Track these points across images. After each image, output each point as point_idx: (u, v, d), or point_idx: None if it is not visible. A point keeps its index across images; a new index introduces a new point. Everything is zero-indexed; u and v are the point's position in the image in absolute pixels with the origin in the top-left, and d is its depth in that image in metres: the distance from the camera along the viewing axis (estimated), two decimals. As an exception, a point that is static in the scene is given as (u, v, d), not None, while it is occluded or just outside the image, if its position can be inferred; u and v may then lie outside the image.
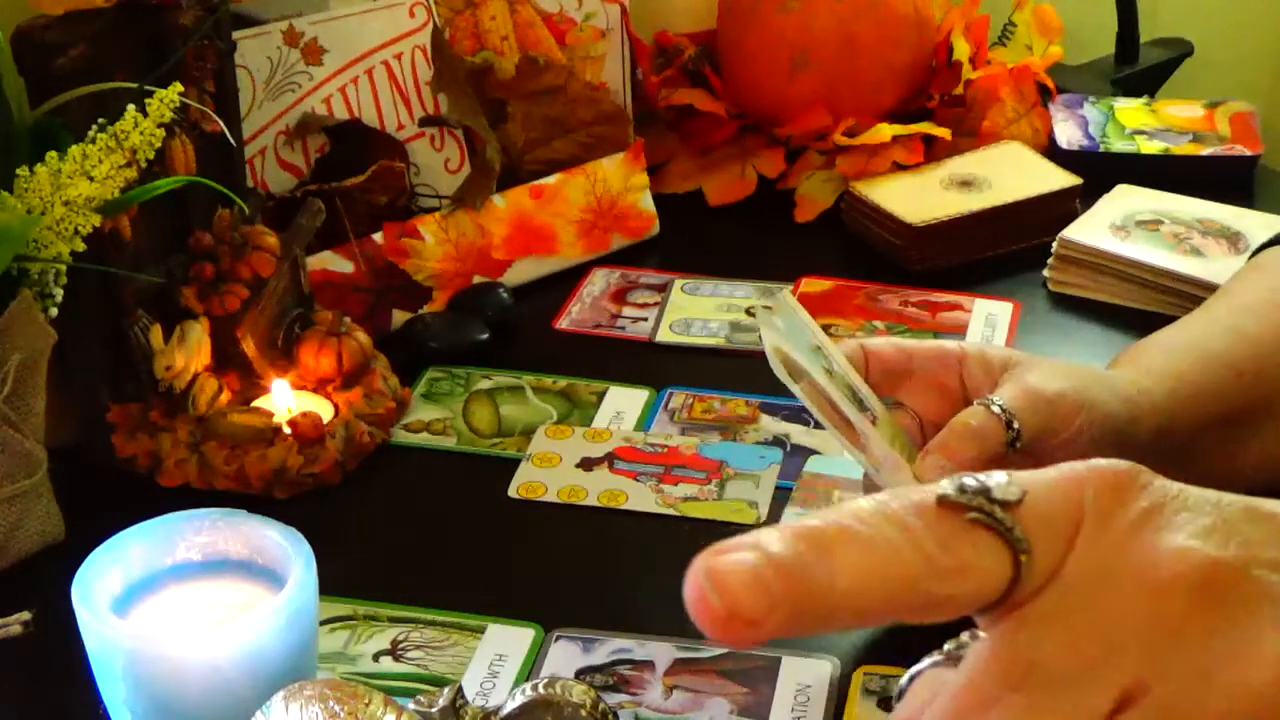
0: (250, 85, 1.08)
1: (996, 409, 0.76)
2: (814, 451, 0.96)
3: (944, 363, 0.81)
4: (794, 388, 0.76)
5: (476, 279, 1.13)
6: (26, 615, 0.75)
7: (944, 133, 1.25)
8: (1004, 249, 1.18)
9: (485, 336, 1.08)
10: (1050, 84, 1.34)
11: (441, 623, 0.83)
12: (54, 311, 0.87)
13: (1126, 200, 1.18)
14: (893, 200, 1.18)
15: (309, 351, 0.99)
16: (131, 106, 0.84)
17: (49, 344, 0.87)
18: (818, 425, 0.98)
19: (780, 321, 0.77)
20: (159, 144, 0.85)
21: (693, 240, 1.22)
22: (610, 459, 0.96)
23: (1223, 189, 1.21)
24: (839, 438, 0.77)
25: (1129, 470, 0.45)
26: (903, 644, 0.81)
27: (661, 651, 0.81)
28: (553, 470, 0.95)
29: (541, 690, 0.65)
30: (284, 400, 0.97)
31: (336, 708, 0.62)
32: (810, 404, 0.77)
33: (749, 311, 1.12)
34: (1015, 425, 0.76)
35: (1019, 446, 0.76)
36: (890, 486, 0.73)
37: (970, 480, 0.44)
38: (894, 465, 0.76)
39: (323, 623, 0.80)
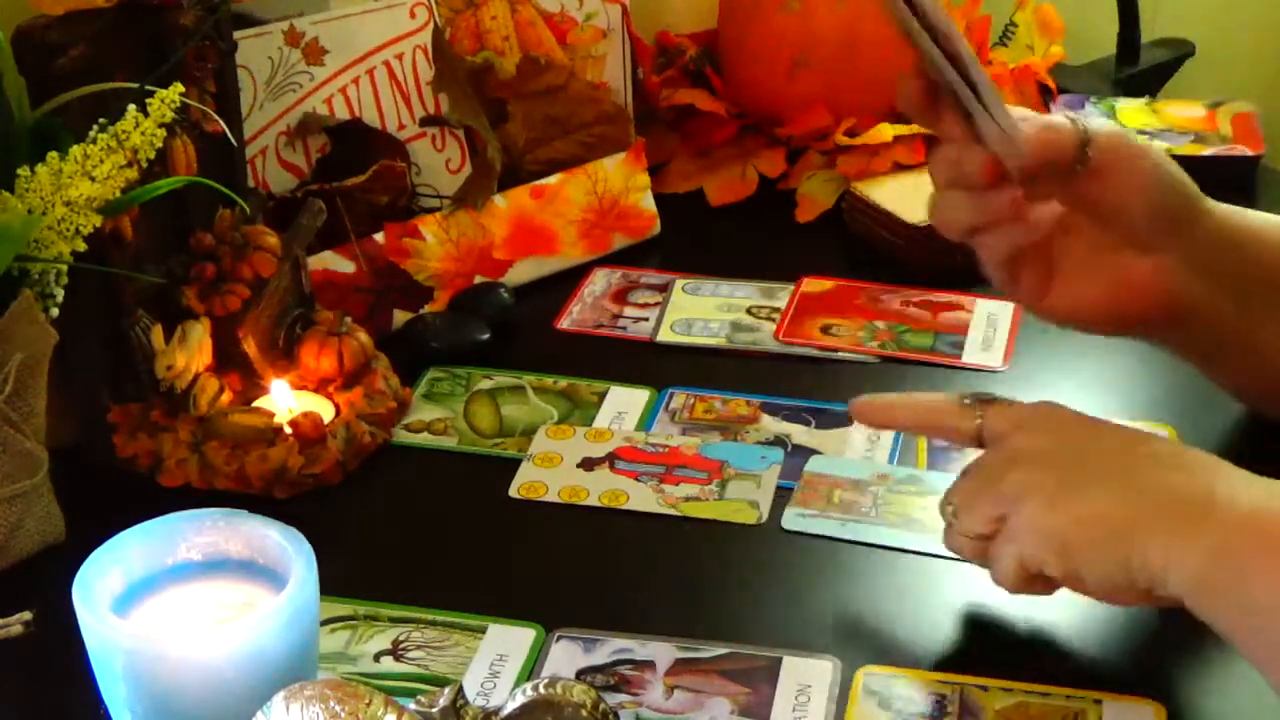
0: (251, 85, 1.08)
1: (1080, 124, 0.82)
2: (815, 451, 0.96)
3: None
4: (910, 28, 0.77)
5: (477, 279, 1.13)
6: (26, 615, 0.75)
7: (945, 133, 1.25)
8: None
9: (486, 336, 1.08)
10: (1051, 84, 1.34)
11: (442, 623, 0.83)
12: (55, 312, 0.87)
13: (1127, 200, 1.18)
14: (894, 200, 1.18)
15: (310, 351, 0.99)
16: (132, 106, 0.84)
17: (50, 344, 0.87)
18: (819, 427, 0.98)
19: None
20: (160, 144, 0.85)
21: (694, 240, 1.22)
22: (611, 459, 0.96)
23: (1224, 189, 1.19)
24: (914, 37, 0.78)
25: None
26: (903, 644, 0.81)
27: (662, 651, 0.80)
28: (554, 470, 0.95)
29: (542, 690, 0.65)
30: (285, 400, 0.97)
31: (337, 708, 0.62)
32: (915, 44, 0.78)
33: (750, 311, 1.12)
34: (1088, 148, 0.81)
35: (1084, 166, 0.82)
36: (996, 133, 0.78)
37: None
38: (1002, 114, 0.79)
39: (323, 623, 0.80)
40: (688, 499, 0.93)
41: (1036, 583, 0.76)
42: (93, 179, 0.83)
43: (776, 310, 1.12)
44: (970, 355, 1.06)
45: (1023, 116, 0.82)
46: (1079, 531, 0.73)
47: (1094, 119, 0.84)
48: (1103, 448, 0.77)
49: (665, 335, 1.10)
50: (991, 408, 0.81)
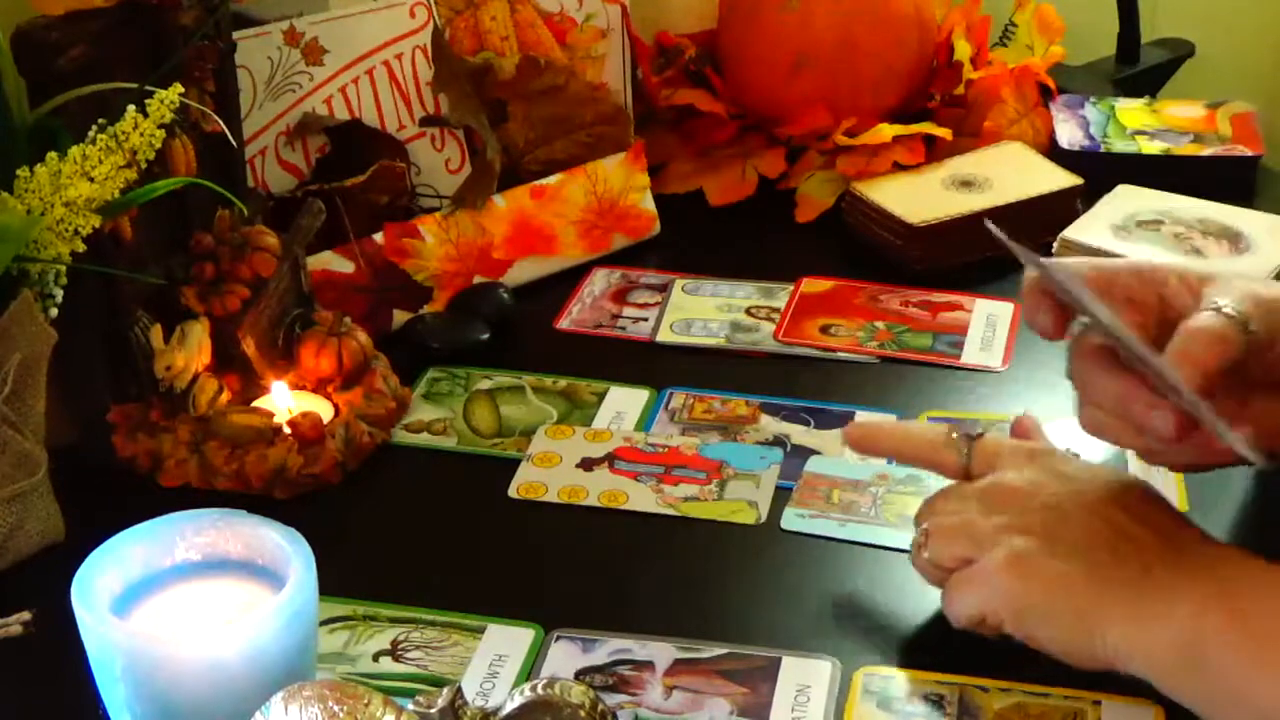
0: (251, 85, 1.08)
1: (1231, 310, 0.75)
2: (814, 451, 0.96)
3: (1141, 278, 0.80)
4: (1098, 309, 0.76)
5: (477, 279, 1.13)
6: (26, 615, 0.75)
7: (945, 133, 1.25)
8: (1005, 249, 1.17)
9: (485, 336, 1.08)
10: (1051, 84, 1.34)
11: (441, 623, 0.83)
12: (54, 312, 0.87)
13: (1127, 200, 1.18)
14: (893, 200, 1.18)
15: (309, 351, 0.99)
16: (131, 107, 0.84)
17: (49, 344, 0.87)
18: (818, 427, 0.98)
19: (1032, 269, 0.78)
20: (159, 144, 0.85)
21: (693, 240, 1.22)
22: (610, 459, 0.96)
23: (1224, 189, 1.21)
24: (1093, 320, 0.76)
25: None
26: (902, 644, 0.81)
27: (661, 652, 0.81)
28: (553, 470, 0.95)
29: (541, 691, 0.65)
30: (284, 400, 0.97)
31: (336, 708, 0.62)
32: (1058, 286, 0.77)
33: (749, 311, 1.12)
34: (1252, 327, 0.75)
35: (1250, 339, 0.75)
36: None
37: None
38: (1146, 355, 0.74)
39: (323, 623, 0.80)
40: (687, 499, 0.93)
41: (986, 626, 0.76)
42: (92, 179, 0.83)
43: (776, 310, 1.12)
44: (970, 355, 1.06)
45: (1181, 349, 0.74)
46: (1044, 599, 0.74)
47: (1235, 293, 0.75)
48: (1084, 510, 0.76)
49: (665, 335, 1.10)
50: (978, 443, 0.82)
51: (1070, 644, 0.74)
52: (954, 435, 0.83)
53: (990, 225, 0.82)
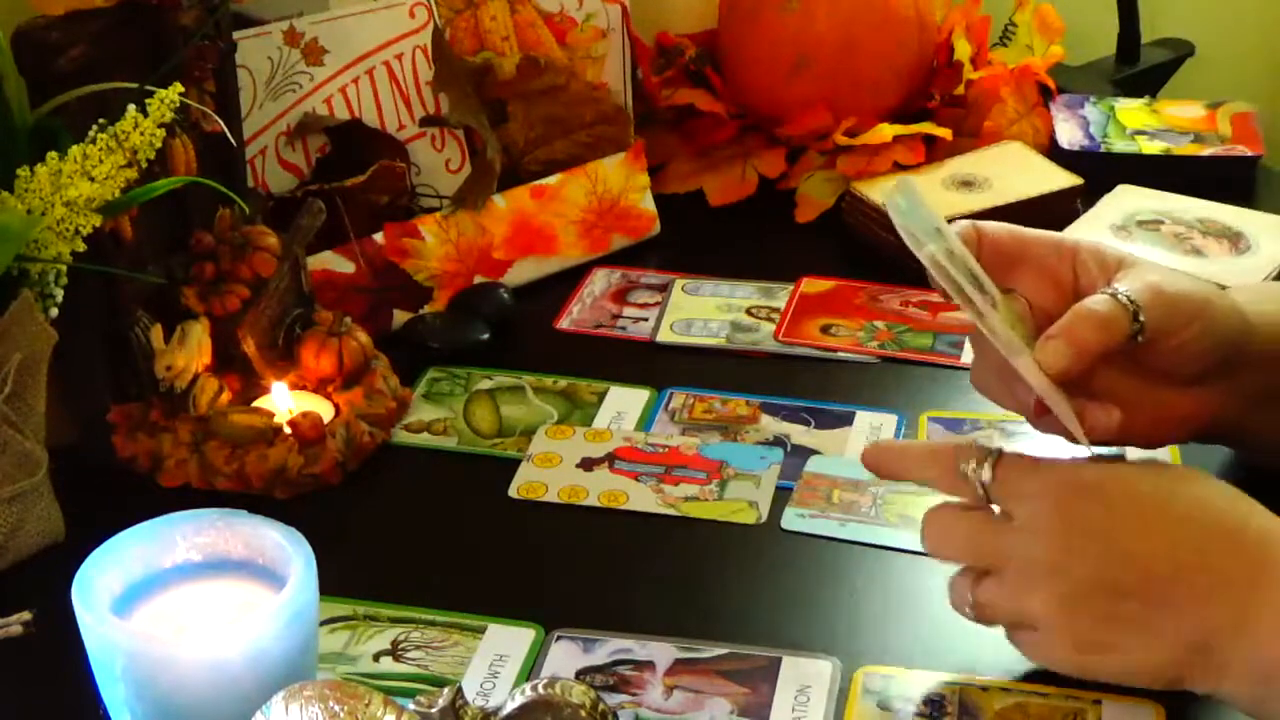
0: (251, 85, 1.08)
1: (1123, 298, 0.76)
2: (814, 451, 0.96)
3: (1058, 252, 0.81)
4: (921, 256, 0.75)
5: (477, 279, 1.13)
6: (26, 615, 0.75)
7: (945, 133, 1.25)
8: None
9: (486, 336, 1.08)
10: (1051, 84, 1.34)
11: (442, 623, 0.83)
12: (54, 312, 0.87)
13: (1127, 200, 1.18)
14: (894, 200, 1.18)
15: (309, 351, 0.99)
16: (132, 106, 0.84)
17: (49, 344, 0.87)
18: (818, 427, 0.98)
19: (902, 201, 0.76)
20: (159, 144, 0.85)
21: (693, 240, 1.22)
22: (611, 459, 0.96)
23: (1224, 189, 1.21)
24: (971, 313, 0.76)
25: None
26: (902, 644, 0.81)
27: (662, 652, 0.81)
28: (553, 470, 0.95)
29: (541, 691, 0.65)
30: (284, 400, 0.97)
31: (336, 708, 0.62)
32: (936, 276, 0.76)
33: (749, 311, 1.12)
34: (1140, 318, 0.75)
35: (1140, 340, 0.76)
36: (1022, 367, 0.75)
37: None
38: (1014, 349, 0.76)
39: (323, 623, 0.80)
40: (687, 499, 0.93)
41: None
42: (92, 179, 0.83)
43: (776, 310, 1.12)
44: (969, 355, 1.06)
45: (1068, 326, 0.76)
46: (1113, 678, 0.74)
47: (1137, 282, 0.77)
48: (1133, 567, 0.72)
49: (665, 335, 1.10)
50: (997, 479, 0.75)
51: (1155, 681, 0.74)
52: (971, 466, 0.75)
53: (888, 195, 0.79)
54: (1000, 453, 0.75)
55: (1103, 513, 0.73)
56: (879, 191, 1.20)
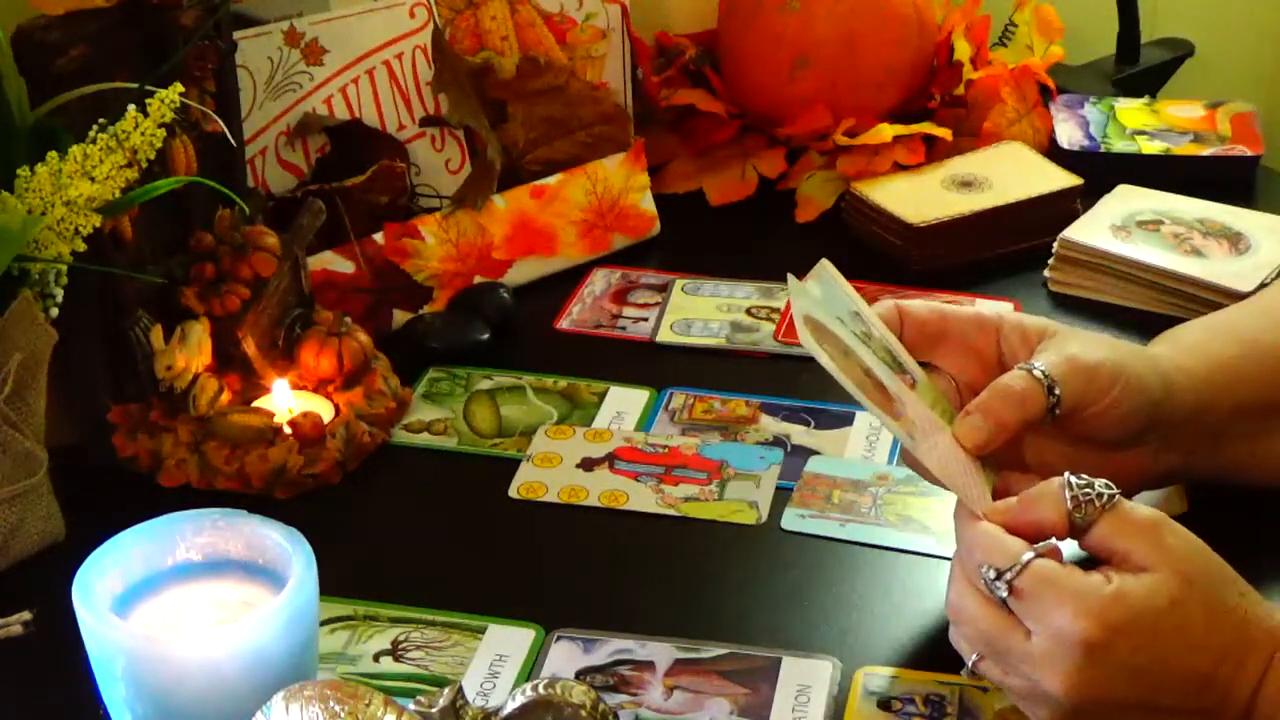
0: (251, 85, 1.08)
1: (1039, 374, 0.78)
2: (814, 451, 0.96)
3: (981, 328, 0.82)
4: (820, 356, 0.75)
5: (477, 279, 1.13)
6: (26, 615, 0.75)
7: (945, 133, 1.25)
8: (1004, 249, 1.18)
9: (486, 336, 1.08)
10: (1051, 84, 1.34)
11: (442, 623, 0.83)
12: (54, 311, 0.87)
13: (1127, 200, 1.18)
14: (893, 200, 1.18)
15: (310, 351, 0.99)
16: (132, 106, 0.84)
17: (49, 344, 0.87)
18: (818, 427, 0.98)
19: (815, 288, 0.77)
20: (159, 144, 0.85)
21: (693, 240, 1.22)
22: (611, 459, 0.96)
23: (1223, 189, 1.21)
24: (871, 407, 0.76)
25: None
26: (902, 644, 0.81)
27: (662, 652, 0.81)
28: (553, 470, 0.95)
29: (542, 691, 0.65)
30: (284, 400, 0.97)
31: (336, 708, 0.62)
32: (839, 373, 0.75)
33: (749, 311, 1.12)
34: (1056, 391, 0.77)
35: (1057, 413, 0.78)
36: (924, 452, 0.75)
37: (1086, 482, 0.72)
38: (932, 427, 0.76)
39: (323, 623, 0.80)
40: (687, 499, 0.93)
41: None
42: (92, 179, 0.83)
43: (776, 310, 1.12)
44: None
45: (985, 403, 0.76)
46: None
47: (1055, 355, 0.78)
48: (1140, 685, 0.69)
49: (665, 335, 1.10)
50: (1025, 586, 0.69)
51: None
52: (990, 577, 0.70)
53: (791, 278, 0.80)
54: (1027, 564, 0.70)
55: (1120, 664, 0.69)
56: (879, 192, 1.20)
